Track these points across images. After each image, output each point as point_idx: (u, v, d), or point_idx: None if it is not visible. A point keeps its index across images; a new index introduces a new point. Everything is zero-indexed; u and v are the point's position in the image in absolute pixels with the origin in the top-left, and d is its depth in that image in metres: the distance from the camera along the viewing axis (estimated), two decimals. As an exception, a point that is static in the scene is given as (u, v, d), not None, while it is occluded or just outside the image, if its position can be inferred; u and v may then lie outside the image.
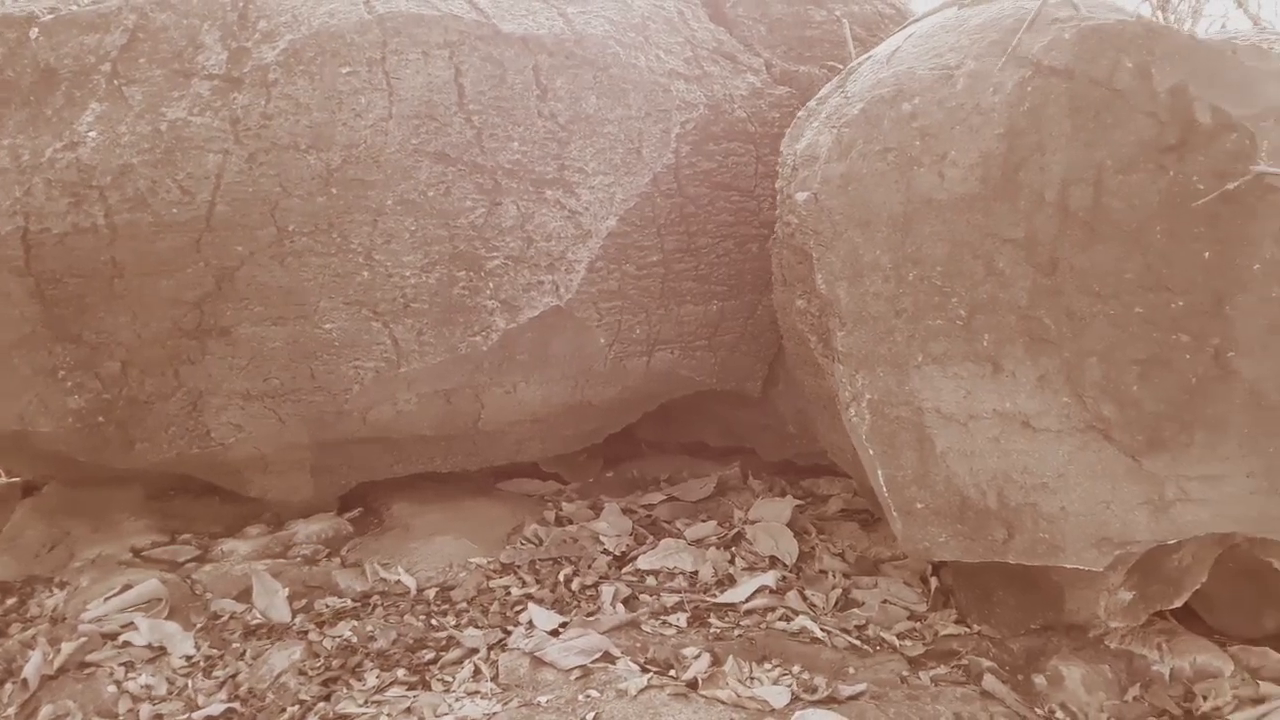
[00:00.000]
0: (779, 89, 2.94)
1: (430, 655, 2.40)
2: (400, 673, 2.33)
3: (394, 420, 2.73)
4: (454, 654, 2.38)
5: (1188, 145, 2.01)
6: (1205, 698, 2.26)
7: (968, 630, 2.45)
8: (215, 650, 2.46)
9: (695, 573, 2.73)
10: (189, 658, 2.42)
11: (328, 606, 2.61)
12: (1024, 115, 2.09)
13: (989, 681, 2.23)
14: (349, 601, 2.64)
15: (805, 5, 3.12)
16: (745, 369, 3.04)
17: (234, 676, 2.35)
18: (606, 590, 2.62)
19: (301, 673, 2.34)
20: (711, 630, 2.46)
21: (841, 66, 2.77)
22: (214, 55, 2.56)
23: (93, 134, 2.45)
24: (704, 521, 2.99)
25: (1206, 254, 2.01)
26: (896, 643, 2.40)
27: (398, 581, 2.70)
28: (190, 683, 2.34)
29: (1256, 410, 2.02)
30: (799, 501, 3.05)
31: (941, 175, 2.14)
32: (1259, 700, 2.26)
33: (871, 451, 2.26)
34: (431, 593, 2.66)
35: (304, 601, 2.64)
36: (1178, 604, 2.34)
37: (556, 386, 2.78)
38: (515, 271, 2.63)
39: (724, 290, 2.89)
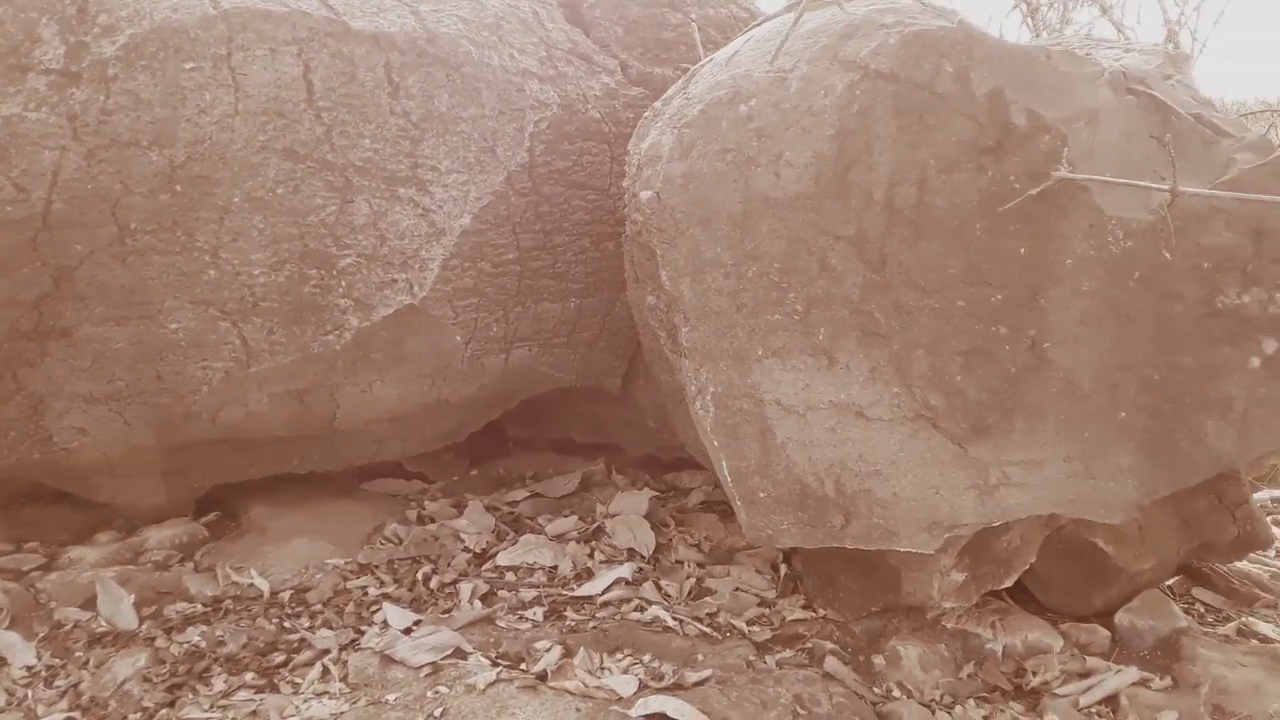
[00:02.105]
0: (634, 90, 2.99)
1: (281, 658, 2.38)
2: (249, 676, 2.31)
3: (245, 421, 2.69)
4: (305, 656, 2.36)
5: (1004, 147, 2.12)
6: (1035, 673, 2.38)
7: (813, 615, 2.53)
8: (58, 660, 2.39)
9: (555, 567, 2.76)
10: (30, 668, 2.35)
11: (177, 612, 2.56)
12: (853, 117, 2.17)
13: (830, 663, 2.31)
14: (199, 606, 2.59)
15: (662, 8, 3.17)
16: (604, 365, 3.08)
17: (76, 686, 2.29)
18: (465, 587, 2.63)
19: (146, 680, 2.29)
20: (567, 623, 2.49)
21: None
22: (51, 50, 2.48)
23: (-81, 129, 2.36)
24: (566, 517, 3.02)
25: (1022, 250, 2.12)
26: (745, 629, 2.47)
27: (251, 585, 2.66)
28: (30, 693, 2.27)
29: (1071, 398, 2.14)
30: (658, 494, 3.10)
31: (777, 175, 2.21)
32: (1085, 674, 2.39)
33: (716, 443, 2.32)
34: (286, 595, 2.63)
35: (153, 608, 2.58)
36: (1008, 584, 2.46)
37: (413, 385, 2.78)
38: (368, 270, 2.62)
39: (581, 288, 2.93)
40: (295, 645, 2.42)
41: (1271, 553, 3.17)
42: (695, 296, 2.29)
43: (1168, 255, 2.03)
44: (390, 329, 2.66)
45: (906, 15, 2.21)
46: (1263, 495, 3.63)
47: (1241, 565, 2.93)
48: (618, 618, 2.51)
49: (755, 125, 2.23)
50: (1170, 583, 2.79)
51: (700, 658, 2.33)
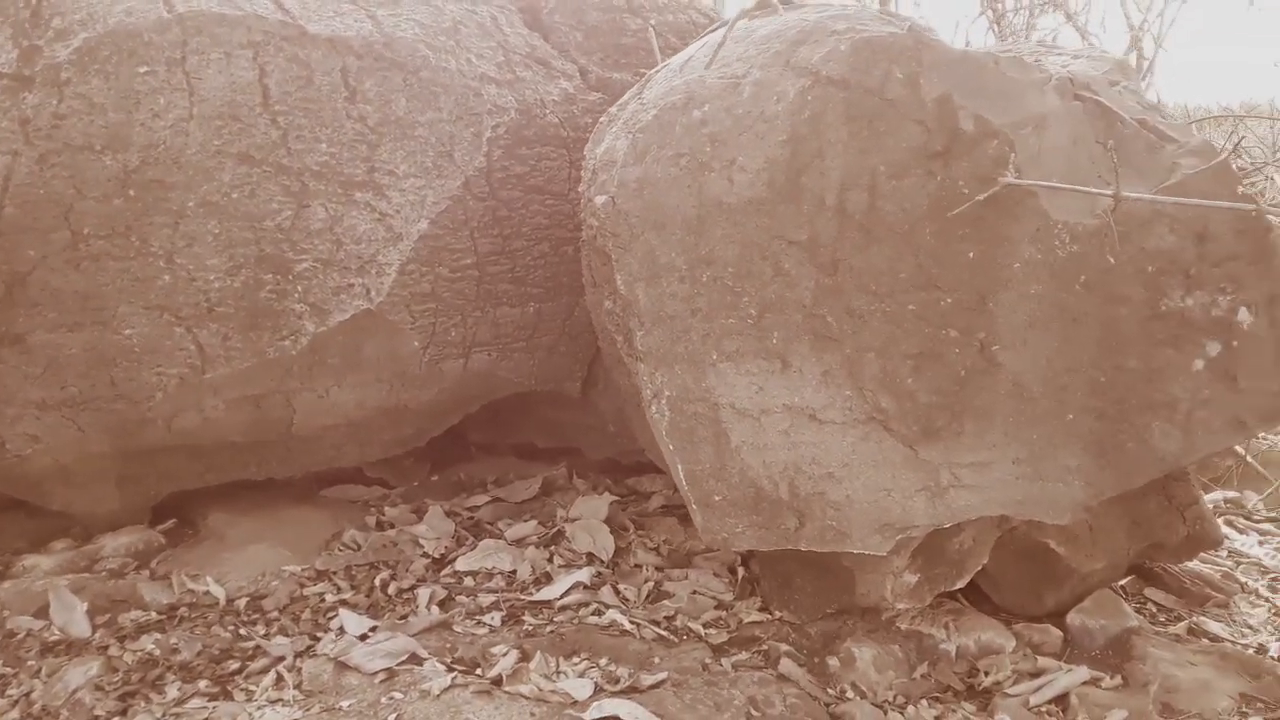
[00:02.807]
0: (592, 95, 3.00)
1: (235, 665, 2.36)
2: (203, 684, 2.29)
3: (201, 427, 2.67)
4: (259, 663, 2.35)
5: (953, 152, 2.15)
6: (987, 673, 2.41)
7: (770, 617, 2.55)
8: (9, 669, 2.36)
9: (513, 572, 2.76)
10: (-20, 677, 2.33)
11: (131, 620, 2.54)
12: (805, 123, 2.19)
13: (785, 665, 2.33)
14: (154, 614, 2.57)
15: (621, 14, 3.19)
16: (564, 370, 3.08)
17: (27, 695, 2.27)
18: (423, 593, 2.62)
19: (98, 688, 2.27)
20: (524, 628, 2.49)
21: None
22: (3, 53, 2.47)
23: None
24: (526, 521, 3.02)
25: (971, 254, 2.15)
26: (702, 631, 2.48)
27: (206, 592, 2.64)
28: (-20, 703, 2.25)
29: (1019, 400, 2.17)
30: (619, 498, 3.11)
31: (731, 180, 2.23)
32: (1037, 674, 2.42)
33: (671, 447, 2.33)
34: (242, 602, 2.62)
35: (107, 616, 2.56)
36: (961, 585, 2.49)
37: (371, 390, 2.77)
38: (324, 274, 2.61)
39: (541, 292, 2.93)
40: (250, 653, 2.41)
41: (1224, 553, 3.22)
42: (650, 301, 2.30)
43: (1112, 259, 2.06)
44: (347, 334, 2.66)
45: (857, 22, 2.23)
46: (1215, 496, 3.69)
47: (1193, 565, 2.97)
48: (575, 622, 2.51)
49: (709, 130, 2.25)
50: (1123, 583, 2.82)
51: (657, 660, 2.34)
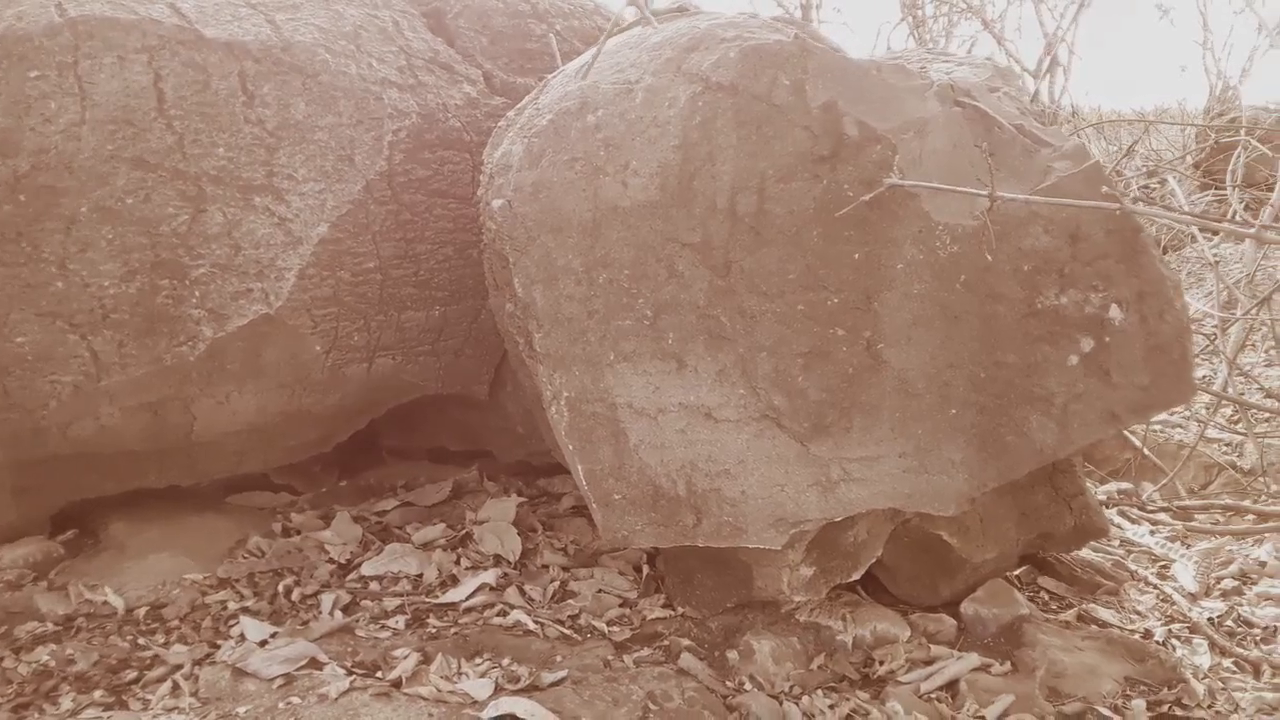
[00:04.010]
0: (496, 99, 3.02)
1: (133, 675, 2.34)
2: (98, 694, 2.26)
3: (98, 435, 2.64)
4: (157, 672, 2.33)
5: (839, 156, 2.21)
6: (881, 662, 2.47)
7: (673, 613, 2.59)
8: (-103, 686, 2.31)
9: (420, 575, 2.76)
10: None
11: (27, 632, 2.49)
12: (696, 128, 2.23)
13: (685, 659, 2.37)
14: (50, 625, 2.53)
15: (526, 19, 3.21)
16: (471, 373, 3.09)
17: (-84, 712, 2.23)
18: (326, 598, 2.62)
19: (-10, 701, 2.24)
20: (429, 631, 2.50)
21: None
22: (-111, 56, 2.41)
23: None
24: (434, 525, 3.02)
25: (857, 255, 2.21)
26: (606, 629, 2.51)
27: (105, 602, 2.61)
28: None
29: (905, 396, 2.23)
30: (526, 500, 3.13)
31: (625, 184, 2.26)
32: (930, 661, 2.49)
33: (571, 447, 2.36)
34: (141, 612, 2.59)
35: (3, 629, 2.52)
36: (856, 577, 2.55)
37: (272, 395, 2.75)
38: (222, 279, 2.59)
39: (446, 295, 2.94)
40: (148, 662, 2.38)
41: (1116, 542, 3.33)
42: (548, 303, 2.33)
43: (989, 258, 2.14)
44: (246, 339, 2.64)
45: (746, 29, 2.28)
46: (1110, 487, 3.82)
47: (1086, 554, 3.07)
48: (480, 623, 2.52)
49: (603, 135, 2.28)
50: (1017, 572, 2.91)
51: (559, 659, 2.36)
